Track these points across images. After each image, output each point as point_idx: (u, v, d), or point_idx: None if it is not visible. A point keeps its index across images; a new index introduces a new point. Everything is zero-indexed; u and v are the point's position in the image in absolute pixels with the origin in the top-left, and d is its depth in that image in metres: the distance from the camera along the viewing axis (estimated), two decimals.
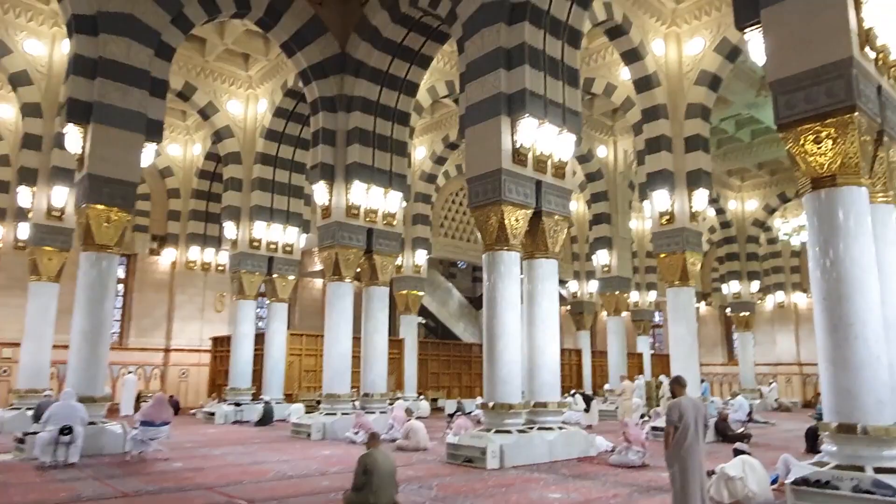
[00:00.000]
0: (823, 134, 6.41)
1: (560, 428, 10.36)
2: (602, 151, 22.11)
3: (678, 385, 5.65)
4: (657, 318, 35.71)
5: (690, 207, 14.12)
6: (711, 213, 29.44)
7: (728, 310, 30.20)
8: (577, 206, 27.71)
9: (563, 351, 30.78)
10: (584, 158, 21.96)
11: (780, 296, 32.65)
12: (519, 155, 10.31)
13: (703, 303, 35.81)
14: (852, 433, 5.94)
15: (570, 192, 11.28)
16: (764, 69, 6.93)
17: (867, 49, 6.54)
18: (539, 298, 10.72)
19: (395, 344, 22.95)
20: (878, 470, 5.79)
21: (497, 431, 9.61)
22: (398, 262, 21.80)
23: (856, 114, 6.23)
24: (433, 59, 14.95)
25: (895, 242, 6.99)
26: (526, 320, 10.78)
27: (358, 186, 14.25)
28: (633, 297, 28.78)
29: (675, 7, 14.82)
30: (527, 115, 10.22)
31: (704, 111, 14.42)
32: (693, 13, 14.70)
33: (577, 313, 29.20)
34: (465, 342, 27.43)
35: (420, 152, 22.44)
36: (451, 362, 25.06)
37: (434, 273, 29.01)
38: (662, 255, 14.26)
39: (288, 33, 14.19)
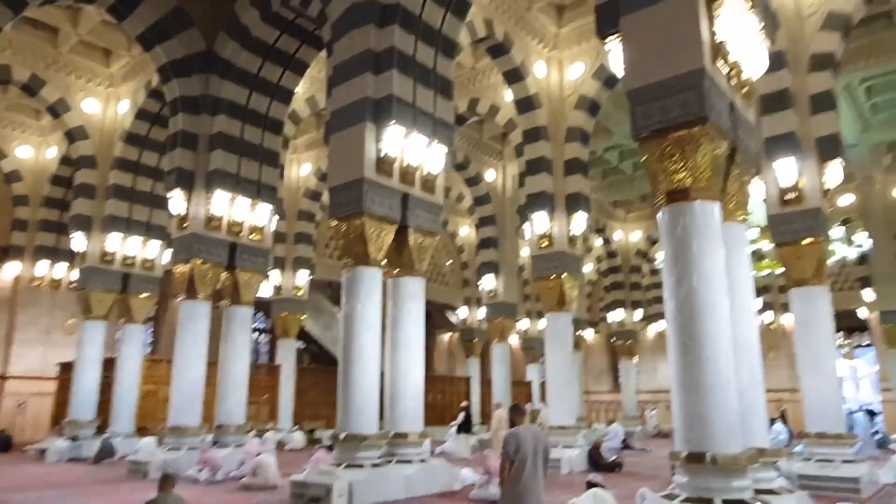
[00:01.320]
0: (677, 146, 6.14)
1: (421, 461, 9.56)
2: (491, 175, 21.97)
3: (517, 413, 5.01)
4: None
5: (569, 231, 13.98)
6: (599, 242, 30.26)
7: (613, 338, 30.94)
8: (468, 230, 27.52)
9: (450, 379, 30.64)
10: (472, 181, 21.72)
11: (661, 324, 33.85)
12: (384, 165, 9.61)
13: (591, 331, 36.59)
14: (701, 462, 5.54)
15: (441, 207, 10.71)
16: (622, 80, 6.63)
17: (720, 63, 6.38)
18: (403, 320, 9.96)
19: (271, 371, 21.44)
20: (726, 502, 5.41)
21: (348, 466, 8.66)
22: (277, 282, 20.48)
23: (708, 126, 6.01)
24: (309, 65, 14.10)
25: (747, 263, 6.83)
26: (389, 344, 9.99)
27: (220, 196, 13.02)
28: (524, 324, 28.80)
29: (557, 31, 14.88)
30: (393, 122, 9.57)
31: (584, 135, 14.44)
32: (574, 38, 14.80)
33: (467, 340, 28.77)
34: None
35: (305, 168, 21.36)
36: (333, 390, 23.65)
37: (318, 296, 27.71)
38: (541, 280, 13.99)
39: (145, 24, 12.88)
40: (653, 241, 29.76)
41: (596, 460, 13.21)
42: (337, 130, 9.93)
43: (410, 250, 10.04)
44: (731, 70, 6.62)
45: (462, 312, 28.72)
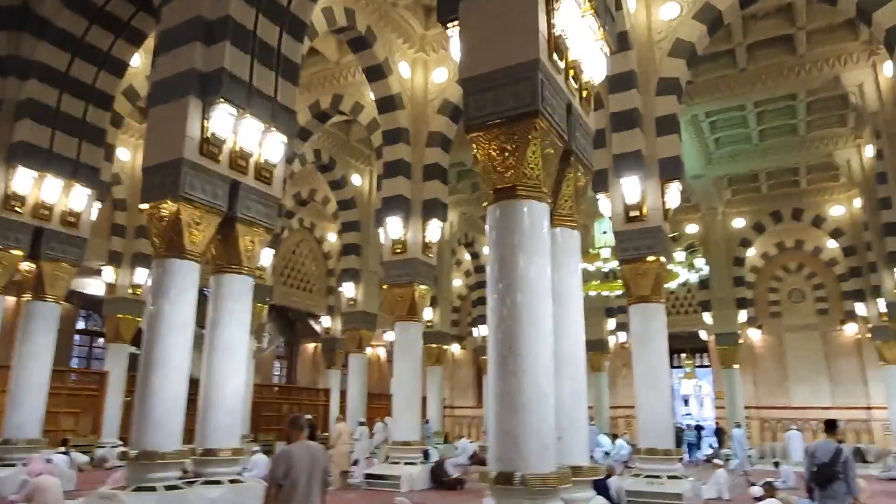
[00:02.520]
0: (507, 140, 5.71)
1: (233, 481, 8.47)
2: (357, 180, 21.17)
3: (295, 428, 4.23)
4: None
5: (424, 238, 13.49)
6: (468, 256, 30.31)
7: (479, 353, 30.99)
8: (336, 237, 26.49)
9: (312, 390, 29.24)
10: (337, 184, 20.81)
11: None
12: (210, 147, 8.52)
13: (457, 345, 36.56)
14: (510, 484, 5.05)
15: (278, 200, 9.74)
16: (458, 67, 6.14)
17: (557, 59, 6.06)
18: (224, 321, 8.86)
19: (97, 378, 19.11)
20: None
21: (137, 489, 7.43)
22: (111, 279, 18.34)
23: (540, 120, 5.63)
24: (147, 36, 12.59)
25: (577, 272, 6.54)
26: (206, 348, 8.86)
27: (24, 173, 11.21)
28: (392, 335, 28.08)
29: (423, 33, 14.47)
30: (222, 100, 8.53)
31: (445, 141, 14.07)
32: (441, 42, 14.45)
33: (328, 350, 27.62)
34: (192, 377, 24.07)
35: None
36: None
37: None
38: (392, 287, 13.37)
39: None
40: None
41: (439, 477, 12.70)
42: (158, 104, 8.72)
43: (238, 245, 9.00)
44: (570, 69, 6.34)
45: (326, 321, 27.58)
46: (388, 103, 13.87)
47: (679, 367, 32.25)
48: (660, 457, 10.10)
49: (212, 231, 8.63)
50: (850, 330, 24.37)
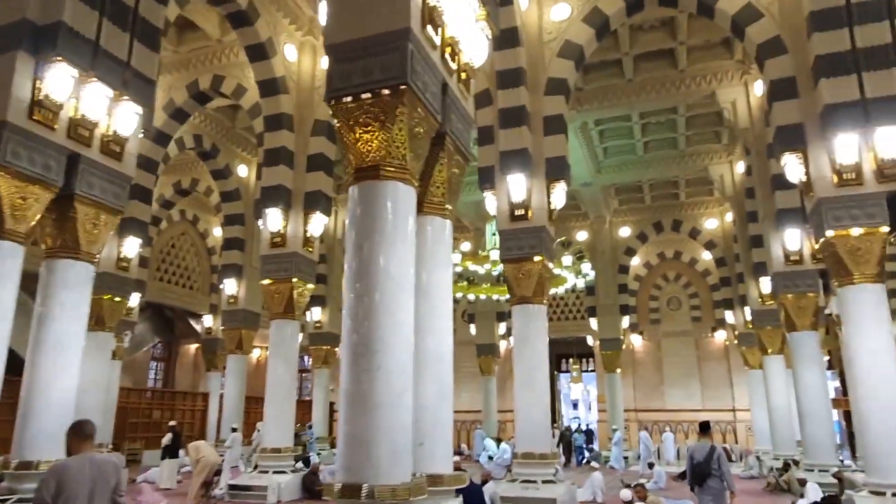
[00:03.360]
0: (372, 114, 5.18)
1: None
2: (243, 170, 19.91)
3: (76, 437, 3.45)
4: (306, 361, 34.15)
5: (305, 231, 12.70)
6: None
7: None
8: (219, 231, 24.88)
9: (191, 395, 27.29)
10: (220, 174, 19.46)
11: None
12: (42, 111, 7.38)
13: None
14: (356, 497, 4.49)
15: (130, 179, 8.66)
16: (323, 32, 5.54)
17: (431, 32, 5.62)
18: (55, 314, 7.71)
19: None
20: None
21: None
22: None
23: (410, 95, 5.14)
24: None
25: (448, 265, 6.10)
26: (31, 343, 7.68)
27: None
28: None
29: (312, 16, 13.70)
30: (60, 58, 7.42)
31: (331, 131, 13.35)
32: None
33: (209, 351, 25.92)
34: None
35: None
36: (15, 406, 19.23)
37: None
38: (268, 282, 12.47)
39: None
40: None
41: (311, 486, 11.92)
42: None
43: (77, 227, 7.87)
44: (446, 47, 5.92)
45: (208, 321, 25.88)
46: (270, 86, 12.97)
47: (567, 371, 33.10)
48: (536, 461, 9.91)
49: (41, 208, 7.47)
50: (720, 337, 25.88)
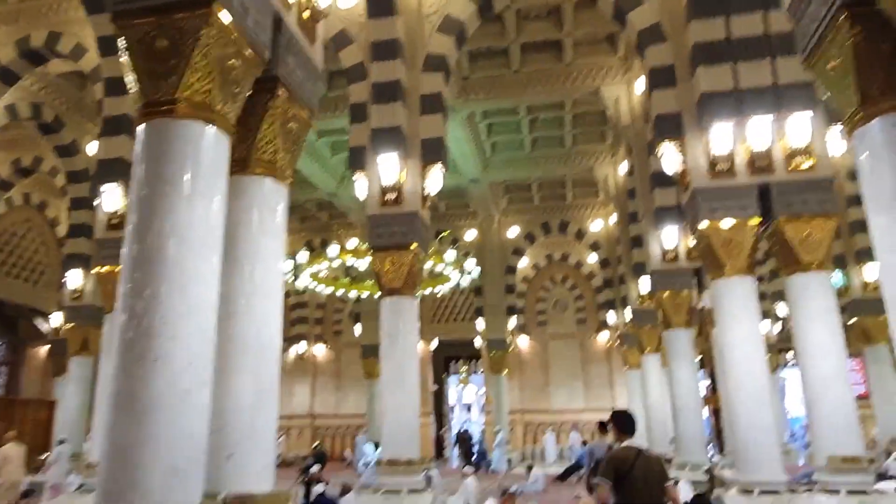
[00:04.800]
0: (167, 34, 4.05)
1: None
2: (93, 147, 17.62)
3: None
4: None
5: None
6: None
7: None
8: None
9: (35, 403, 24.14)
10: (66, 151, 17.16)
11: (302, 346, 32.34)
12: None
13: None
14: None
15: None
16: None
17: None
18: None
19: None
20: None
21: None
22: None
23: (217, 12, 4.06)
24: None
25: (279, 237, 5.05)
26: None
27: None
28: None
29: None
30: None
31: None
32: None
33: (57, 354, 23.00)
34: None
35: None
36: None
37: None
38: (104, 269, 10.78)
39: None
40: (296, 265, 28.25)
41: None
42: None
43: None
44: None
45: (56, 319, 22.97)
46: (114, 44, 11.25)
47: (455, 373, 32.68)
48: (402, 467, 9.01)
49: None
50: (603, 338, 26.35)
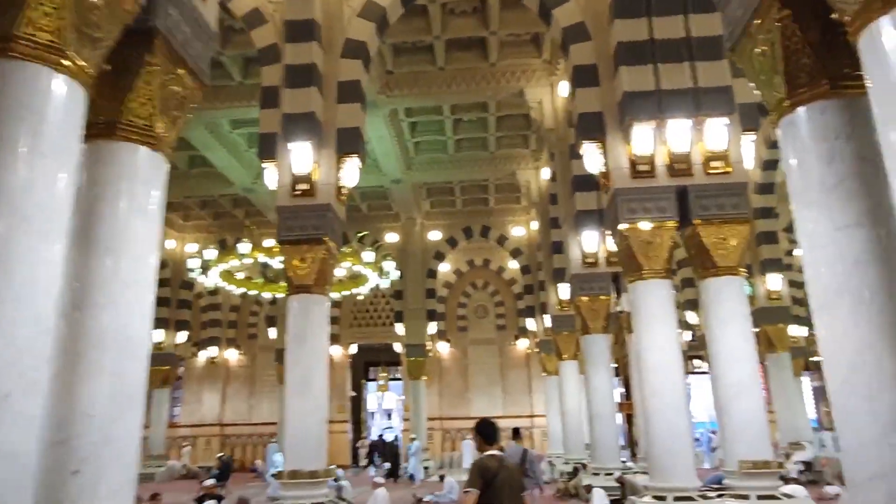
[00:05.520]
0: None
1: None
2: None
3: None
4: None
5: None
6: None
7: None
8: None
9: None
10: None
11: (213, 350, 30.63)
12: None
13: None
14: None
15: None
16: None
17: None
18: None
19: None
20: None
21: None
22: None
23: None
24: None
25: (157, 215, 4.36)
26: None
27: None
28: None
29: None
30: None
31: None
32: None
33: None
34: None
35: None
36: None
37: None
38: None
39: None
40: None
41: None
42: None
43: None
44: None
45: None
46: None
47: (374, 379, 31.96)
48: (305, 480, 8.33)
49: None
50: (522, 344, 26.41)
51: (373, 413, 41.52)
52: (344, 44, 9.86)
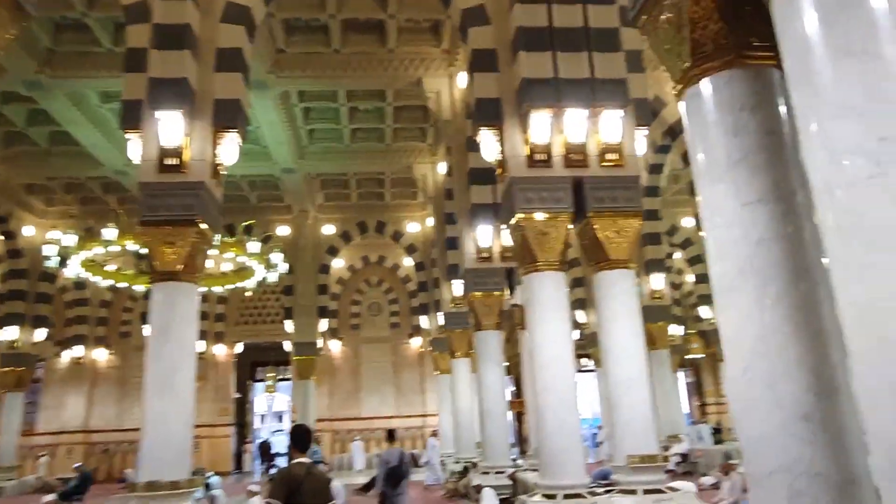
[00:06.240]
0: None
1: None
2: None
3: None
4: None
5: None
6: None
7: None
8: None
9: None
10: None
11: (78, 350, 27.76)
12: None
13: None
14: None
15: None
16: None
17: None
18: None
19: None
20: None
21: None
22: None
23: None
24: None
25: None
26: None
27: None
28: None
29: None
30: None
31: None
32: None
33: None
34: None
35: None
36: None
37: None
38: None
39: None
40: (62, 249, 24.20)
41: None
42: None
43: None
44: None
45: None
46: None
47: (261, 380, 30.47)
48: (165, 492, 7.37)
49: None
50: (416, 343, 26.04)
51: (263, 416, 39.70)
52: (225, 7, 8.93)
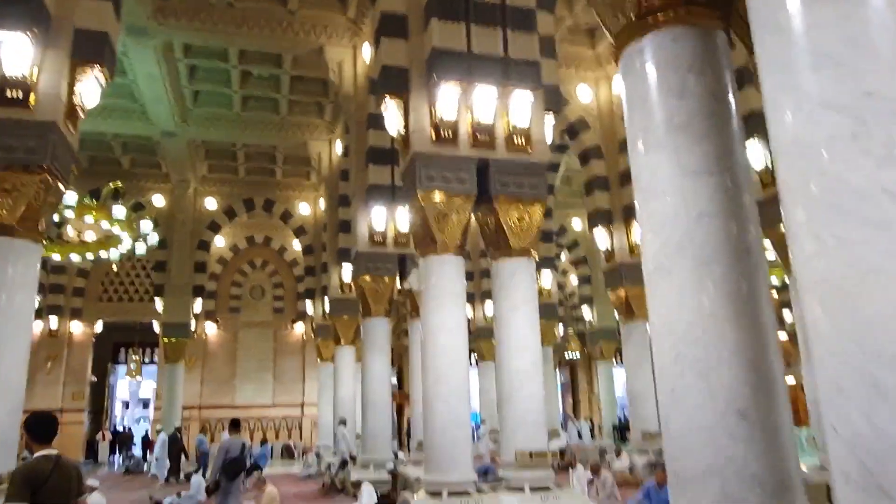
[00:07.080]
0: None
1: None
2: None
3: None
4: None
5: None
6: None
7: None
8: None
9: None
10: None
11: None
12: None
13: None
14: None
15: None
16: None
17: None
18: None
19: None
20: None
21: None
22: None
23: None
24: None
25: None
26: None
27: None
28: None
29: None
30: None
31: None
32: None
33: None
34: None
35: None
36: None
37: None
38: None
39: None
40: None
41: None
42: None
43: None
44: None
45: None
46: None
47: (124, 363, 27.89)
48: None
49: None
50: (299, 329, 24.88)
51: (126, 402, 36.47)
52: None
